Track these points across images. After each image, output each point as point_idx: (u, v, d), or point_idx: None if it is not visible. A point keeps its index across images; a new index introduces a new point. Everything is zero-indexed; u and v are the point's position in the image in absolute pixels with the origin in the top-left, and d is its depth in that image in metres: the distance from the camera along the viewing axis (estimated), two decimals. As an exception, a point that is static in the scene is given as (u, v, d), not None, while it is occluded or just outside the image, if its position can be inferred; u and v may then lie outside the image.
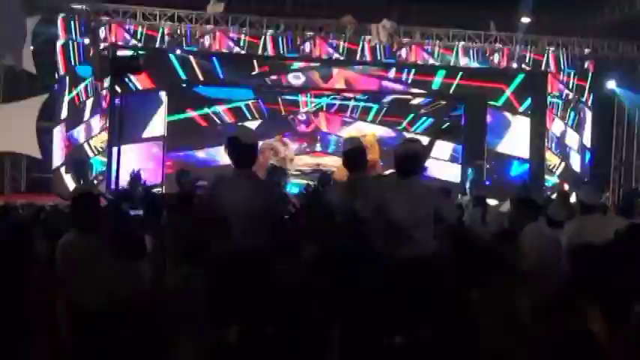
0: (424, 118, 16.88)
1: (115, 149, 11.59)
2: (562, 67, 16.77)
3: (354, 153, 5.58)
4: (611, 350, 3.13)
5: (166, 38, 15.32)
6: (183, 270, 5.02)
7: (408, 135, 16.13)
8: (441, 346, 4.77)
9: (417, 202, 5.03)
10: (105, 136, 15.23)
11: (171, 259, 5.33)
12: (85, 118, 15.22)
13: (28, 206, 10.39)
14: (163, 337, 4.87)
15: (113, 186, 11.60)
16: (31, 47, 14.12)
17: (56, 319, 4.12)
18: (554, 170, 17.05)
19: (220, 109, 16.13)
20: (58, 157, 15.12)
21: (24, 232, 4.87)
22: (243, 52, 15.67)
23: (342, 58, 16.10)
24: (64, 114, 15.11)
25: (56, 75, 15.04)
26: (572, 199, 8.11)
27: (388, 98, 16.86)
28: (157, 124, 15.75)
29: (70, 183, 14.42)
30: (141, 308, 4.99)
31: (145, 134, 15.66)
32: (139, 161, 14.21)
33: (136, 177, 12.59)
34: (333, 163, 15.60)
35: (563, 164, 17.07)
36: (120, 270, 4.86)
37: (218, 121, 16.15)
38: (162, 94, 15.78)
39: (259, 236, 4.74)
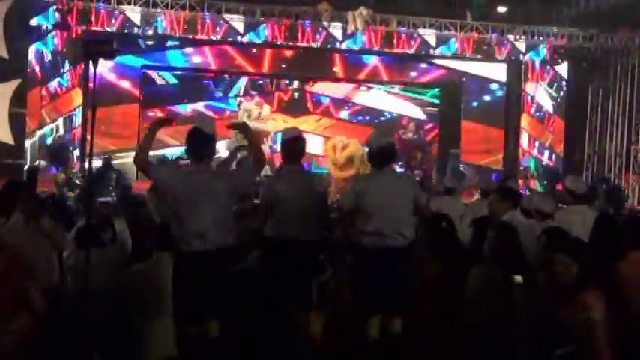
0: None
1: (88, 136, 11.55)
2: (537, 55, 16.86)
3: (291, 144, 5.30)
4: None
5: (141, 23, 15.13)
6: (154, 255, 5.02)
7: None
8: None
9: (395, 190, 5.10)
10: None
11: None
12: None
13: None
14: (129, 321, 4.85)
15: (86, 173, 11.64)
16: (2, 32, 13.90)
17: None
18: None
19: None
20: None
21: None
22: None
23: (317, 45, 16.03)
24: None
25: (29, 60, 14.82)
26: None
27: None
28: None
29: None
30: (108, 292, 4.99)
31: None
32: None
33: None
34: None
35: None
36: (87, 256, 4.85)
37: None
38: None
39: (226, 231, 4.64)
